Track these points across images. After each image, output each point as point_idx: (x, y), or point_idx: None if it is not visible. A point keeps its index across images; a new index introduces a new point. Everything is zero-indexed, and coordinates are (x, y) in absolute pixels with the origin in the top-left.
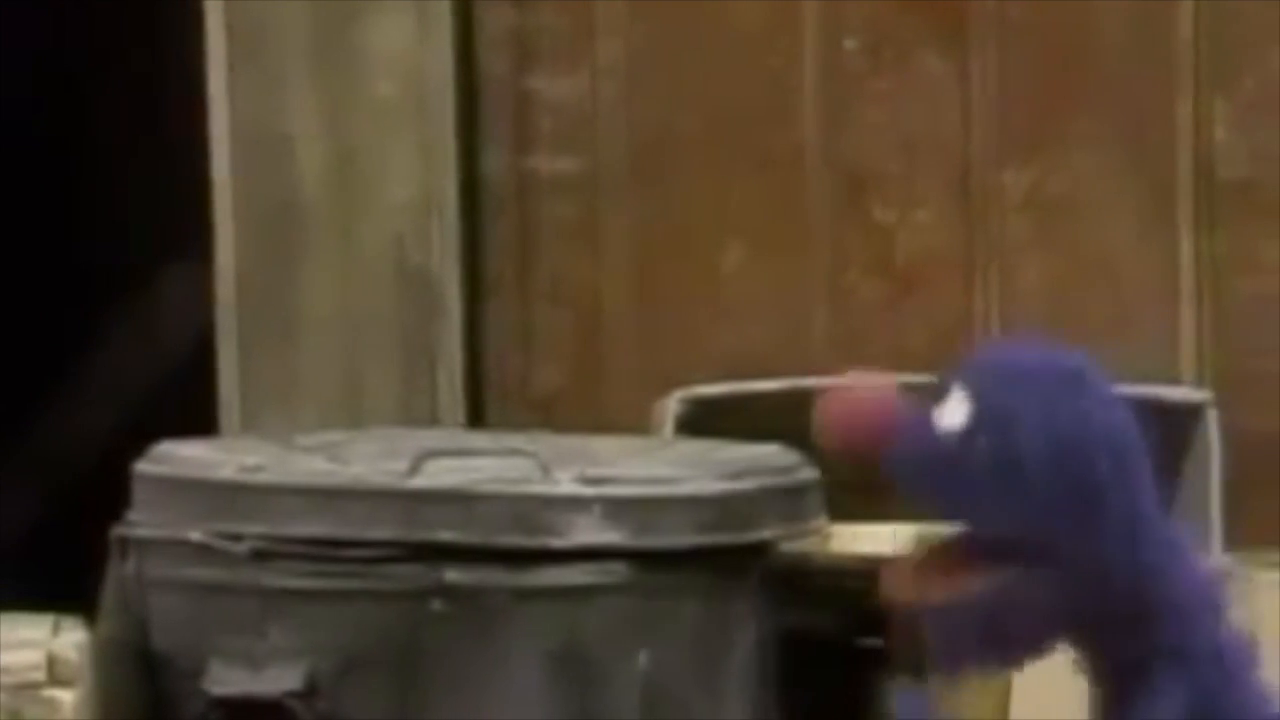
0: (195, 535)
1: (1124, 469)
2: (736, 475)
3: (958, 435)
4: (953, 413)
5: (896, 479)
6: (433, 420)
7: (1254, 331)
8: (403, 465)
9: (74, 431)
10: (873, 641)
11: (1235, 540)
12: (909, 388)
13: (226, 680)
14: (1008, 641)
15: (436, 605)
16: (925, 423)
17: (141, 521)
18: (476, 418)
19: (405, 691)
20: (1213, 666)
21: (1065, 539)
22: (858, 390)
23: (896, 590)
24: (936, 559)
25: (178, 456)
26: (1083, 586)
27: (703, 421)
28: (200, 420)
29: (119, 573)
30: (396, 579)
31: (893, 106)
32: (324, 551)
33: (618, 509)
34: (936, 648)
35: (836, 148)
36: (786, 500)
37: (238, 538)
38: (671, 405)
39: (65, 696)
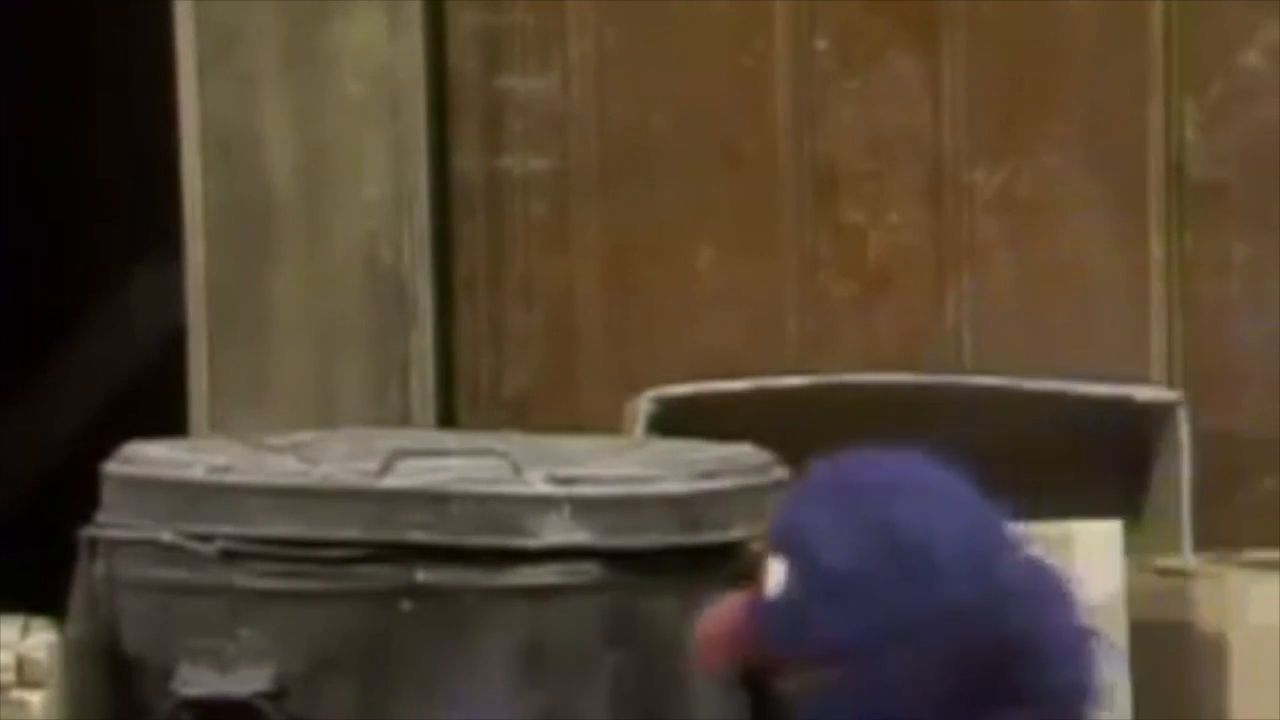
0: (165, 536)
1: (948, 554)
2: (707, 475)
3: (778, 592)
4: (773, 575)
5: (753, 657)
6: (404, 420)
7: (1224, 332)
8: (373, 465)
9: (43, 431)
10: None
11: (1205, 540)
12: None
13: (196, 681)
14: None
15: (407, 605)
16: (759, 600)
17: (111, 522)
18: (448, 418)
19: (375, 691)
20: None
21: (894, 637)
22: (716, 611)
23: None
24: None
25: (147, 457)
26: (911, 687)
27: (674, 421)
28: (170, 420)
29: (88, 573)
30: (367, 579)
31: (864, 107)
32: (294, 552)
33: (588, 509)
34: None
35: (808, 148)
36: (757, 500)
37: (207, 538)
38: (643, 405)
39: (34, 698)
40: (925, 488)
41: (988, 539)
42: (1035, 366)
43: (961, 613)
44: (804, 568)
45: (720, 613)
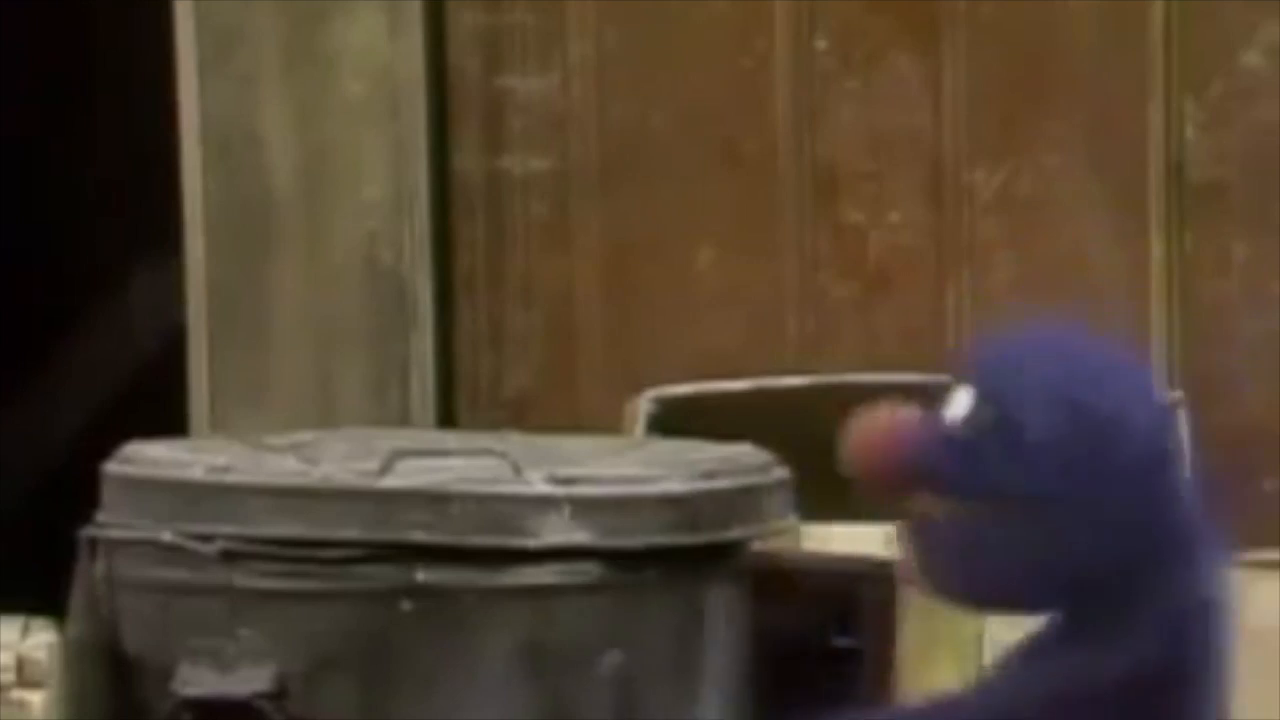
0: (165, 536)
1: (1135, 423)
2: (707, 475)
3: (963, 420)
4: (958, 404)
5: (913, 479)
6: (404, 420)
7: (1224, 332)
8: (374, 465)
9: (43, 431)
10: (845, 640)
11: None
12: (888, 388)
13: (196, 681)
14: (983, 574)
15: (407, 605)
16: (936, 420)
17: (111, 522)
18: (448, 418)
19: (375, 691)
20: (1191, 628)
21: (1073, 496)
22: (878, 416)
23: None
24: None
25: (147, 457)
26: (1080, 541)
27: (674, 421)
28: (170, 420)
29: (88, 574)
30: (367, 579)
31: (864, 107)
32: (294, 552)
33: (588, 509)
34: (921, 564)
35: (808, 148)
36: (757, 500)
37: (207, 538)
38: (643, 405)
39: (34, 698)
40: (1131, 383)
41: (1166, 456)
42: None
43: (1132, 506)
44: (1004, 414)
45: (885, 423)
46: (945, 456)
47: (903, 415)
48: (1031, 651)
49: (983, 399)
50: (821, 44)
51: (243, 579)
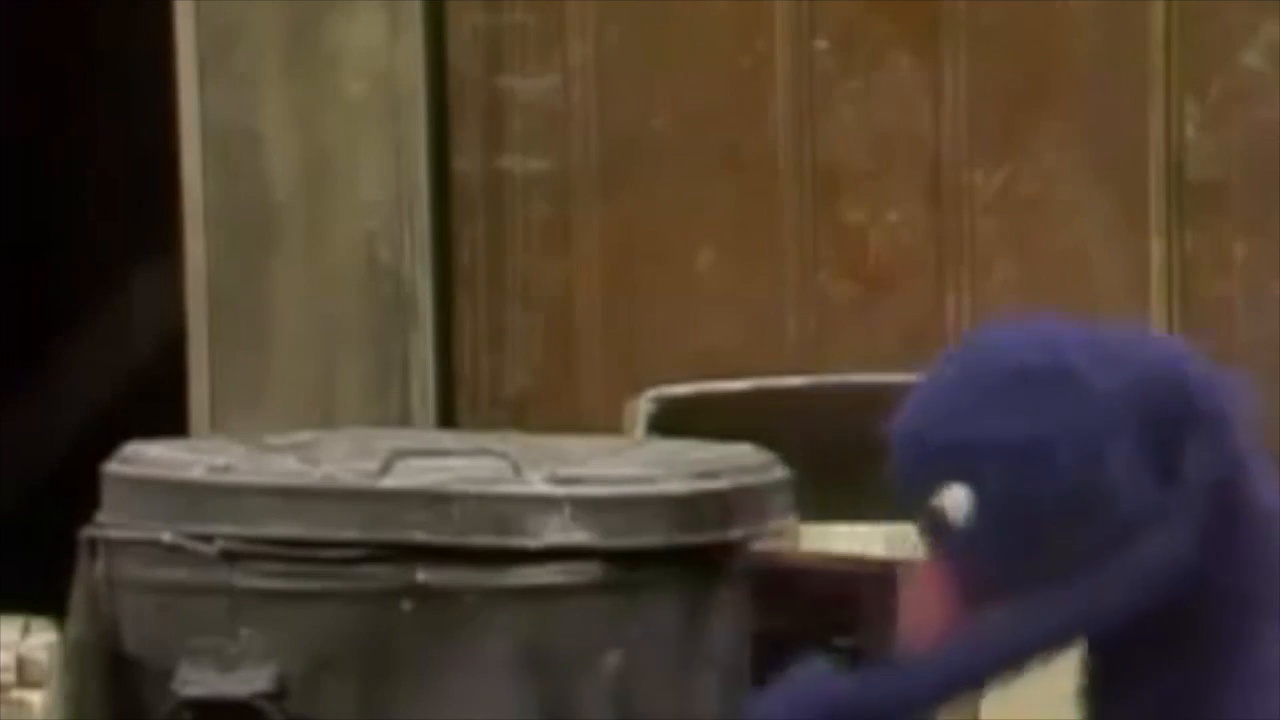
0: (165, 536)
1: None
2: (707, 475)
3: (970, 522)
4: (952, 502)
5: (970, 600)
6: (404, 420)
7: (1224, 331)
8: (374, 465)
9: (43, 431)
10: (845, 640)
11: None
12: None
13: (196, 681)
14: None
15: (407, 605)
16: (947, 536)
17: (111, 522)
18: (447, 418)
19: (376, 692)
20: None
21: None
22: (912, 599)
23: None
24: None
25: (147, 457)
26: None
27: (674, 421)
28: (170, 420)
29: (88, 574)
30: (367, 579)
31: (864, 107)
32: (295, 552)
33: (589, 509)
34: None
35: (808, 148)
36: (757, 500)
37: (208, 538)
38: (643, 405)
39: (34, 698)
40: (1082, 339)
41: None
42: None
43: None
44: (999, 486)
45: (923, 593)
46: (978, 563)
47: (926, 575)
48: None
49: (970, 484)
50: (821, 44)
51: (243, 579)
